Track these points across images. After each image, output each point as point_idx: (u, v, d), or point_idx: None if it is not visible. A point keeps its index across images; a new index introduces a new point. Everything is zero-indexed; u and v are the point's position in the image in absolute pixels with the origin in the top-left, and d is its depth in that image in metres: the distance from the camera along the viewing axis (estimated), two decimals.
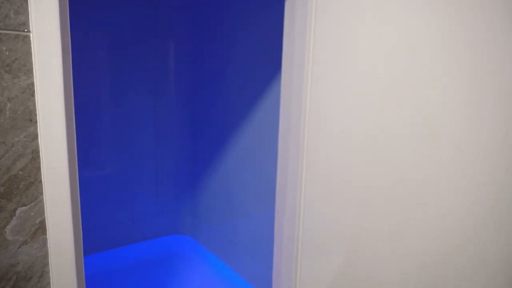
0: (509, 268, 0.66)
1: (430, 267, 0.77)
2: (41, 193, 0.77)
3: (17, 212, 0.75)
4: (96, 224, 2.18)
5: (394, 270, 0.84)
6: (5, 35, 0.69)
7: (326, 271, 1.02)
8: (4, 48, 0.70)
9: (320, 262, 1.04)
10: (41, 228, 0.78)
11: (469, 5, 0.66)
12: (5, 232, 0.74)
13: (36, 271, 0.79)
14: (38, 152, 0.76)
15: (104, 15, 2.02)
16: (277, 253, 1.22)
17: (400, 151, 0.80)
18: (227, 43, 1.97)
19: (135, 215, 2.39)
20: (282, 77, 1.11)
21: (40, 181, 0.77)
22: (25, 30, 0.71)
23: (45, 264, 0.80)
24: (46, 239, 0.79)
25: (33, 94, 0.74)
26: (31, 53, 0.72)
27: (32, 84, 0.73)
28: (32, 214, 0.77)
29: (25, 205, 0.76)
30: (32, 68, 0.73)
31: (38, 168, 0.76)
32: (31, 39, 0.72)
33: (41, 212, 0.78)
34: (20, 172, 0.74)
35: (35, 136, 0.75)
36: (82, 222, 0.86)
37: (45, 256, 0.80)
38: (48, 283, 0.81)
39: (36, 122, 0.75)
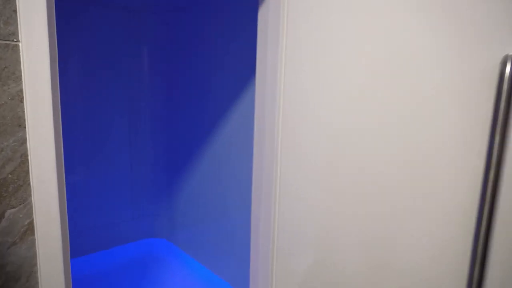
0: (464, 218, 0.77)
1: (394, 252, 0.87)
2: (30, 195, 0.80)
3: (6, 214, 0.78)
4: (72, 230, 2.17)
5: (361, 258, 0.93)
6: None
7: (300, 265, 1.10)
8: None
9: (295, 256, 1.12)
10: (30, 229, 0.81)
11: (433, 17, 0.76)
12: None
13: (24, 272, 0.82)
14: (27, 156, 0.79)
15: (79, 20, 2.03)
16: (254, 251, 1.29)
17: (367, 147, 0.89)
18: (201, 48, 2.03)
19: (110, 220, 2.39)
20: (257, 80, 1.19)
21: (29, 184, 0.80)
22: (15, 40, 0.75)
23: (33, 265, 0.83)
24: (35, 240, 0.82)
25: (22, 101, 0.77)
26: (20, 61, 0.76)
27: (21, 91, 0.77)
28: (21, 216, 0.80)
29: (14, 207, 0.79)
30: (21, 75, 0.76)
31: (27, 172, 0.79)
32: (20, 48, 0.75)
33: (29, 214, 0.81)
34: (9, 176, 0.77)
35: (24, 141, 0.78)
36: None
37: (34, 256, 0.83)
38: (37, 283, 0.84)
39: (25, 128, 0.78)
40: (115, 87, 2.25)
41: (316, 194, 1.02)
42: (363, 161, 0.90)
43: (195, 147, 2.18)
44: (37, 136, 0.79)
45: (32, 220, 0.81)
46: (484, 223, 0.72)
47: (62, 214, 0.85)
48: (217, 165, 2.03)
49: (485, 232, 0.72)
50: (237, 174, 1.88)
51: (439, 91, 0.76)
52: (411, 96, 0.80)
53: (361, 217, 0.92)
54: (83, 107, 2.15)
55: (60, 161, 0.84)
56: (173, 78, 2.31)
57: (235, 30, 1.79)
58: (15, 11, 0.74)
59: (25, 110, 0.78)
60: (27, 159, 0.79)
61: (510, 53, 0.67)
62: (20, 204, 0.79)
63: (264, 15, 1.14)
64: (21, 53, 0.76)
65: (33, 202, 0.80)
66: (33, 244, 0.82)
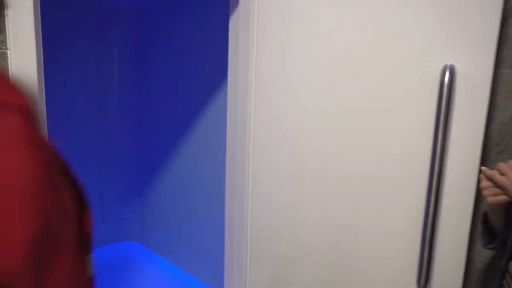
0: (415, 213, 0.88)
1: (357, 242, 0.97)
2: None
3: None
4: None
5: (327, 249, 1.03)
6: None
7: (273, 259, 1.18)
8: None
9: (268, 251, 1.20)
10: None
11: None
12: None
13: None
14: None
15: (48, 22, 2.02)
16: (228, 250, 1.35)
17: (329, 149, 0.99)
18: (171, 50, 2.07)
19: None
20: (228, 82, 1.26)
21: None
22: (3, 48, 0.79)
23: None
24: None
25: None
26: (8, 67, 0.80)
27: None
28: None
29: None
30: None
31: None
32: (9, 56, 0.79)
33: None
34: None
35: None
36: None
37: None
38: None
39: None
40: (84, 88, 2.25)
41: (283, 193, 1.11)
42: (326, 162, 1.00)
43: (166, 148, 2.20)
44: None
45: None
46: (431, 213, 0.83)
47: None
48: (189, 165, 2.07)
49: (432, 221, 0.83)
50: (209, 174, 1.93)
51: (390, 97, 0.88)
52: (366, 102, 0.91)
53: (325, 212, 1.02)
54: (50, 108, 2.13)
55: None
56: (143, 80, 2.33)
57: (205, 32, 1.85)
58: (4, 20, 0.78)
59: None
60: None
61: (448, 63, 0.79)
62: None
63: (235, 24, 1.22)
64: (9, 60, 0.80)
65: None
66: None
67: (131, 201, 2.52)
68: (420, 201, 0.86)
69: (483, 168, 0.68)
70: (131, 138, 2.45)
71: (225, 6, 1.33)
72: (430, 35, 0.82)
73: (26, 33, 0.80)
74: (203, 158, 1.97)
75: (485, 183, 0.68)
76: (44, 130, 0.88)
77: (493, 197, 0.67)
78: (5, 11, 0.78)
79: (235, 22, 1.23)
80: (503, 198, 0.65)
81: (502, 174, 0.64)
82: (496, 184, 0.65)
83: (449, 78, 0.77)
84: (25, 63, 0.81)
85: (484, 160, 0.86)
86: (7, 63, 0.79)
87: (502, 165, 0.64)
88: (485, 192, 0.69)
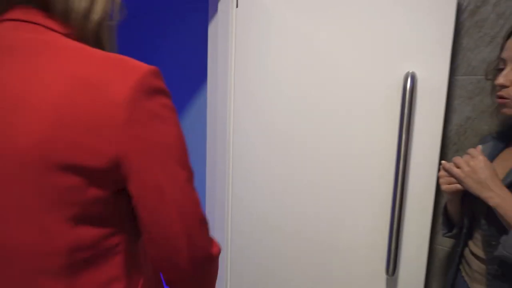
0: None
1: (335, 235, 1.04)
2: None
3: None
4: None
5: (307, 245, 1.09)
6: None
7: (255, 252, 1.23)
8: None
9: (249, 242, 1.25)
10: None
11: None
12: None
13: None
14: None
15: None
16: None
17: (305, 149, 1.06)
18: (151, 50, 2.09)
19: None
20: (208, 84, 1.31)
21: None
22: None
23: None
24: None
25: None
26: None
27: None
28: None
29: None
30: None
31: None
32: None
33: None
34: None
35: None
36: None
37: None
38: None
39: None
40: None
41: (264, 186, 1.17)
42: (302, 161, 1.07)
43: None
44: None
45: None
46: (397, 207, 0.90)
47: None
48: None
49: (398, 214, 0.90)
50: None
51: (360, 101, 0.96)
52: (338, 104, 0.99)
53: (303, 207, 1.08)
54: None
55: None
56: None
57: (184, 33, 1.89)
58: None
59: None
60: None
61: (410, 71, 0.87)
62: None
63: (214, 29, 1.28)
64: None
65: None
66: None
67: None
68: (387, 197, 0.94)
69: (443, 161, 0.76)
70: None
71: (204, 9, 1.37)
72: (395, 46, 0.90)
73: None
74: None
75: (441, 173, 0.77)
76: None
77: (447, 185, 0.76)
78: None
79: (214, 28, 1.28)
80: (455, 186, 0.74)
81: (457, 167, 0.72)
82: (453, 176, 0.73)
83: (410, 84, 0.85)
84: None
85: (443, 158, 0.95)
86: None
87: (457, 159, 0.72)
88: (441, 181, 0.77)
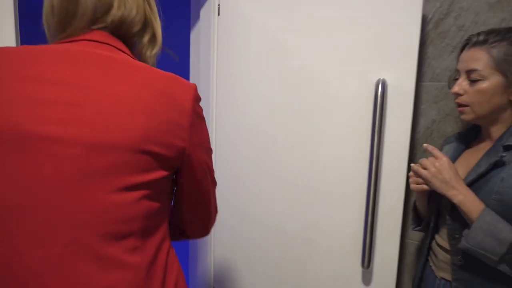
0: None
1: (314, 231, 1.10)
2: None
3: None
4: None
5: (290, 240, 1.14)
6: None
7: (240, 245, 1.27)
8: None
9: (236, 235, 1.29)
10: None
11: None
12: None
13: None
14: None
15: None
16: (192, 247, 1.42)
17: (282, 148, 1.11)
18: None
19: None
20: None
21: None
22: None
23: None
24: None
25: None
26: None
27: None
28: None
29: None
30: None
31: None
32: None
33: None
34: None
35: None
36: None
37: None
38: None
39: None
40: None
41: (249, 185, 1.21)
42: (282, 162, 1.12)
43: None
44: None
45: None
46: (370, 204, 0.96)
47: None
48: None
49: (372, 210, 0.97)
50: None
51: (335, 106, 1.01)
52: (314, 108, 1.04)
53: (283, 205, 1.13)
54: None
55: None
56: None
57: (166, 39, 1.91)
58: None
59: None
60: None
61: (381, 78, 0.94)
62: None
63: (196, 35, 1.31)
64: None
65: None
66: None
67: None
68: (361, 195, 1.00)
69: (412, 164, 0.82)
70: None
71: (186, 15, 1.39)
72: (367, 55, 0.96)
73: (8, 31, 0.83)
74: None
75: (410, 173, 0.84)
76: None
77: (415, 185, 0.82)
78: None
79: (196, 34, 1.31)
80: (421, 186, 0.81)
81: (424, 168, 0.79)
82: (420, 177, 0.80)
83: (381, 89, 0.92)
84: None
85: (412, 158, 1.02)
86: None
87: (424, 161, 0.79)
88: (410, 180, 0.84)
